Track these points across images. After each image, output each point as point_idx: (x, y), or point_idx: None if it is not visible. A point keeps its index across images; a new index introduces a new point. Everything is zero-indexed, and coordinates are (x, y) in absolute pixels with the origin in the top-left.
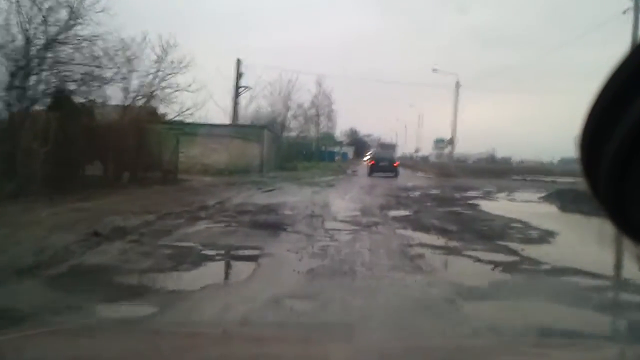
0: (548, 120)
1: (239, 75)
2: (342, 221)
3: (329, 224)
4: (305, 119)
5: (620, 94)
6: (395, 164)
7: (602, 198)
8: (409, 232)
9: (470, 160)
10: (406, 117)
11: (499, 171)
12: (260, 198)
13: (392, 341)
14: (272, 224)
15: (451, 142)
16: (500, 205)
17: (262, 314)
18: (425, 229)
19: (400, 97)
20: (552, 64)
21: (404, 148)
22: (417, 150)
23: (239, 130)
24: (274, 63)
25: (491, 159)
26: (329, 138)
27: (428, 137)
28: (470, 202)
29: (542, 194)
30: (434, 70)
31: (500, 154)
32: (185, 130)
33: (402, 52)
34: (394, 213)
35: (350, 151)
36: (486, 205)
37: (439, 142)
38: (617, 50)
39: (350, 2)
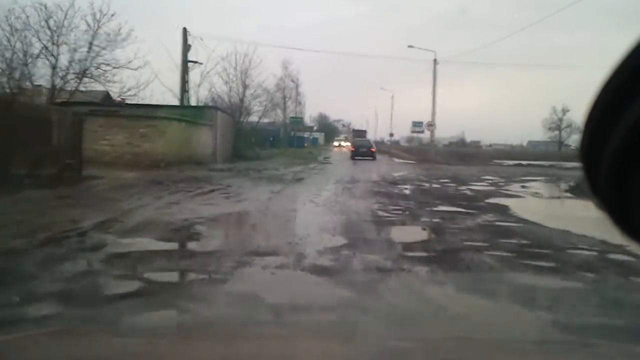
0: (514, 103)
1: (186, 48)
2: (316, 270)
3: (289, 286)
4: (269, 99)
5: (621, 93)
6: (372, 150)
7: (602, 198)
8: (462, 301)
9: (440, 144)
10: (377, 101)
11: (479, 155)
12: (186, 208)
13: (392, 340)
14: (155, 288)
15: (431, 124)
16: (536, 207)
17: None
18: (488, 289)
19: (372, 80)
20: (521, 47)
21: (376, 132)
22: (391, 135)
23: (183, 111)
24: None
25: (461, 143)
26: (297, 122)
27: (399, 121)
28: (491, 201)
29: (565, 186)
30: (410, 46)
31: (468, 137)
32: (110, 111)
33: (375, 35)
34: (402, 235)
35: (320, 137)
36: (519, 208)
37: (417, 125)
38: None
39: None
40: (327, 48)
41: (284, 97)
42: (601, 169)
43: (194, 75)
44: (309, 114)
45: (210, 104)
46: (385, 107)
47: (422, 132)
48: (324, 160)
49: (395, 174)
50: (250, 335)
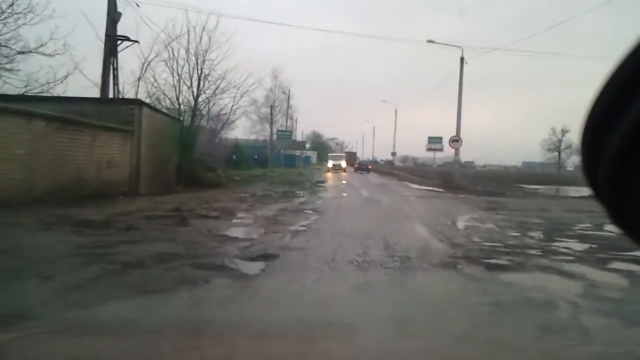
0: (507, 124)
1: (113, 16)
2: None
3: None
4: (240, 97)
5: (621, 93)
6: (369, 167)
7: (603, 198)
8: None
9: (435, 164)
10: (376, 118)
11: (500, 179)
12: None
13: (393, 341)
14: None
15: (457, 139)
16: None
17: None
18: None
19: (371, 96)
20: (514, 66)
21: (373, 152)
22: (393, 154)
23: (70, 107)
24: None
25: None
26: (286, 137)
27: (388, 141)
28: None
29: None
30: (430, 41)
31: (462, 158)
32: None
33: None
34: None
35: (313, 156)
36: None
37: (434, 142)
38: None
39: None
40: (324, 67)
41: (272, 107)
42: (601, 167)
43: (130, 64)
44: (302, 131)
45: (152, 102)
46: (381, 125)
47: (440, 149)
48: (318, 187)
49: (465, 222)
50: (250, 335)
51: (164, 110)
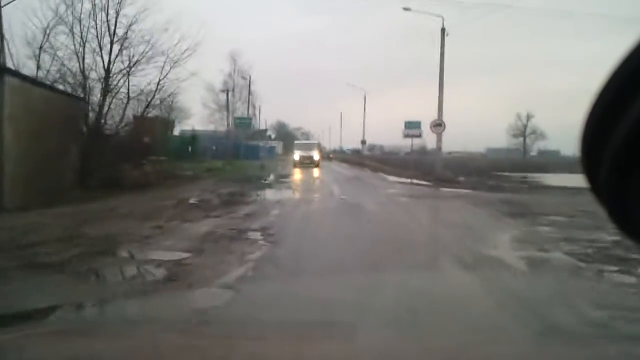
0: (469, 109)
1: None
2: None
3: None
4: (169, 66)
5: (622, 92)
6: (331, 155)
7: (603, 198)
8: None
9: (402, 152)
10: (344, 107)
11: (474, 167)
12: None
13: (393, 341)
14: None
15: (439, 124)
16: None
17: None
18: None
19: (337, 86)
20: (474, 53)
21: (341, 141)
22: (363, 142)
23: None
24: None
25: (423, 151)
26: (245, 125)
27: (356, 132)
28: None
29: None
30: (406, 9)
31: (429, 145)
32: None
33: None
34: None
35: (278, 146)
36: None
37: (412, 127)
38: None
39: None
40: (289, 53)
41: (227, 91)
42: (602, 168)
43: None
44: (265, 120)
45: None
46: (349, 114)
47: (419, 135)
48: (279, 183)
49: (516, 250)
50: (250, 335)
51: (68, 87)
